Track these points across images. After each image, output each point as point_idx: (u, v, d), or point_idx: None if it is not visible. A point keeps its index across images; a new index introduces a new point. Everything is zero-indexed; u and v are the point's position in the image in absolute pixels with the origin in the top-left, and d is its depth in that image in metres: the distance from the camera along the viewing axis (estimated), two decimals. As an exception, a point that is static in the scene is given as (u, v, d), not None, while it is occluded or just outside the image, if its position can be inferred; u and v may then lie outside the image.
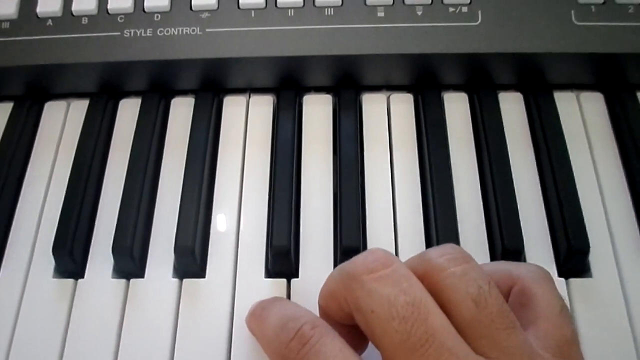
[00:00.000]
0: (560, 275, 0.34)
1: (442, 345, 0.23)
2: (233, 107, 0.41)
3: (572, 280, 0.34)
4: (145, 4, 0.39)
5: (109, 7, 0.39)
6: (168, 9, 0.39)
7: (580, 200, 0.36)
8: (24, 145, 0.40)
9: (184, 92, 0.42)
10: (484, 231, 0.36)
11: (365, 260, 0.26)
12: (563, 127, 0.39)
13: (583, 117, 0.40)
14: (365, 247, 0.35)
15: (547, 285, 0.28)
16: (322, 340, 0.26)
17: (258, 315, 0.30)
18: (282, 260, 0.34)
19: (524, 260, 0.35)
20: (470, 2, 0.39)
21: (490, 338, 0.24)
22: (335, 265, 0.35)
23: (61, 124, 0.41)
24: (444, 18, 0.38)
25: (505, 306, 0.25)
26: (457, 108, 0.41)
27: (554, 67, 0.39)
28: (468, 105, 0.41)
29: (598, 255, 0.35)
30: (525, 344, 0.25)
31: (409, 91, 0.41)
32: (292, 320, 0.27)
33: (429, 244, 0.35)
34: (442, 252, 0.26)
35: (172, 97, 0.42)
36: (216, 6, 0.39)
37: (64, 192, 0.37)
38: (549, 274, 0.29)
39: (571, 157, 0.38)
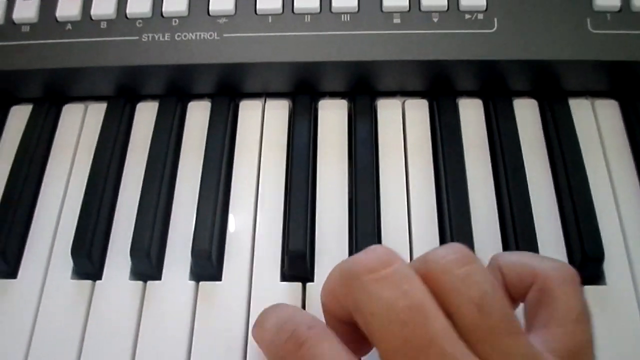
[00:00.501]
0: (574, 282, 0.34)
1: (441, 351, 0.23)
2: (249, 111, 0.41)
3: (587, 288, 0.34)
4: (164, 8, 0.40)
5: (127, 11, 0.40)
6: (186, 13, 0.40)
7: (595, 207, 0.36)
8: (42, 148, 0.41)
9: (200, 96, 0.42)
10: (499, 239, 0.36)
11: (365, 259, 0.25)
12: (578, 134, 0.39)
13: (598, 125, 0.40)
14: (380, 253, 0.35)
15: (570, 288, 0.26)
16: (319, 341, 0.25)
17: (258, 322, 0.30)
18: (298, 264, 0.35)
19: (539, 267, 0.35)
20: (486, 9, 0.39)
21: (492, 343, 0.23)
22: (350, 270, 0.35)
23: (79, 127, 0.42)
24: (460, 25, 0.39)
25: (510, 310, 0.24)
26: (472, 114, 0.41)
27: (569, 75, 0.40)
28: (483, 111, 0.41)
29: (612, 263, 0.35)
30: (529, 350, 0.24)
31: (423, 97, 0.41)
32: (288, 322, 0.27)
33: (443, 249, 0.36)
34: (446, 253, 0.25)
35: (189, 100, 0.42)
36: (233, 11, 0.39)
37: (82, 194, 0.38)
38: (576, 274, 0.27)
39: (586, 165, 0.38)
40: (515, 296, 0.29)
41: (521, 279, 0.27)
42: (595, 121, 0.40)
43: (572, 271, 0.27)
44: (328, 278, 0.28)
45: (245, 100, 0.42)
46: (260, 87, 0.41)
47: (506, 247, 0.36)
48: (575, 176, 0.37)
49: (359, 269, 0.25)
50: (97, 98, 0.42)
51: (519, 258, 0.28)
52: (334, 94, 0.42)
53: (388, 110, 0.41)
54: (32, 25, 0.40)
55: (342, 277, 0.26)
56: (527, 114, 0.41)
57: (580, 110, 0.41)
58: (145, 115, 0.42)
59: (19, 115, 0.42)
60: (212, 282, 0.35)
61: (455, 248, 0.25)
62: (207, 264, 0.35)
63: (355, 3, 0.39)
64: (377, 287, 0.24)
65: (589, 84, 0.40)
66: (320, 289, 0.34)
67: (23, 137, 0.41)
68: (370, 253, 0.25)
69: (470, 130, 0.40)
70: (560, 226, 0.36)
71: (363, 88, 0.41)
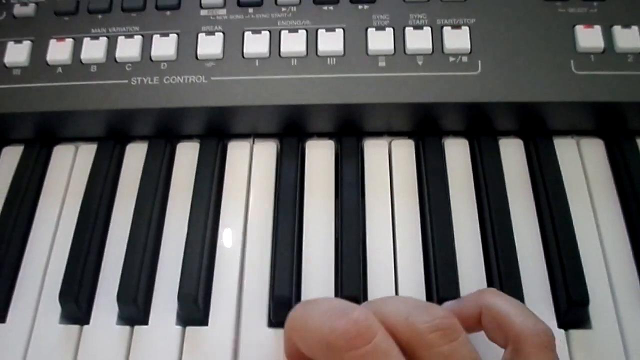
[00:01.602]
0: (560, 326, 0.34)
1: None
2: (237, 152, 0.42)
3: (572, 332, 0.34)
4: (152, 52, 0.40)
5: (117, 55, 0.40)
6: (174, 57, 0.40)
7: (580, 249, 0.36)
8: (33, 189, 0.41)
9: (189, 137, 0.43)
10: (484, 281, 0.36)
11: (347, 333, 0.25)
12: (563, 173, 0.39)
13: (583, 163, 0.40)
14: (365, 297, 0.35)
15: (545, 355, 0.27)
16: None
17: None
18: (284, 309, 0.34)
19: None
20: (470, 52, 0.39)
21: None
22: (336, 314, 0.35)
23: (69, 168, 0.42)
24: (444, 67, 0.39)
25: None
26: (457, 153, 0.41)
27: (554, 115, 0.40)
28: (469, 150, 0.41)
29: (598, 306, 0.35)
30: None
31: (410, 137, 0.42)
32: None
33: (429, 292, 0.36)
34: (432, 324, 0.25)
35: (178, 141, 0.43)
36: (221, 55, 0.40)
37: (71, 237, 0.38)
38: (553, 339, 0.27)
39: (571, 205, 0.38)
40: (490, 339, 0.29)
41: (500, 329, 0.28)
42: (581, 160, 0.41)
43: (550, 336, 0.27)
44: (302, 326, 0.27)
45: (233, 141, 0.42)
46: (248, 128, 0.42)
47: (492, 290, 0.36)
48: (560, 218, 0.37)
49: (340, 343, 0.25)
50: (88, 139, 0.43)
51: (503, 307, 0.28)
52: (321, 134, 0.42)
53: (375, 150, 0.41)
54: (23, 68, 0.41)
55: (322, 345, 0.26)
56: (512, 153, 0.41)
57: (566, 149, 0.41)
58: (135, 155, 0.42)
59: (10, 156, 0.43)
60: (199, 327, 0.35)
61: (442, 319, 0.26)
62: (194, 308, 0.35)
63: (341, 47, 0.39)
64: None
65: (574, 124, 0.41)
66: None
67: (14, 178, 0.41)
68: (351, 324, 0.25)
69: (456, 170, 0.40)
70: (546, 269, 0.36)
71: (350, 129, 0.41)
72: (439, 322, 0.26)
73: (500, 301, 0.29)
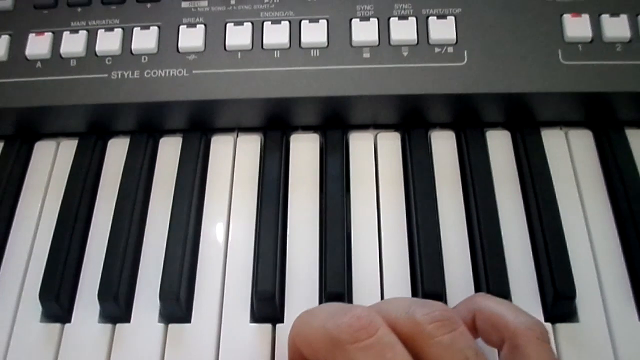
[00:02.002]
0: (547, 320, 0.34)
1: None
2: (221, 146, 0.41)
3: (559, 325, 0.34)
4: (133, 45, 0.40)
5: (97, 49, 0.40)
6: (155, 50, 0.39)
7: (568, 242, 0.35)
8: (13, 185, 0.41)
9: (172, 132, 0.42)
10: (470, 274, 0.35)
11: (350, 327, 0.26)
12: (551, 164, 0.39)
13: (571, 155, 0.40)
14: (350, 293, 0.35)
15: (542, 347, 0.27)
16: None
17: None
18: (267, 305, 0.34)
19: (510, 305, 0.34)
20: (456, 43, 0.39)
21: None
22: (320, 310, 0.35)
23: (50, 164, 0.42)
24: (430, 58, 0.38)
25: None
26: (444, 146, 0.40)
27: (542, 106, 0.39)
28: (455, 142, 0.41)
29: (585, 300, 0.34)
30: None
31: (396, 129, 0.41)
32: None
33: (414, 287, 0.35)
34: (431, 316, 0.26)
35: (160, 136, 0.42)
36: (203, 48, 0.39)
37: (52, 235, 0.38)
38: (546, 332, 0.28)
39: (559, 197, 0.37)
40: (486, 341, 0.29)
41: (494, 329, 0.28)
42: (569, 151, 0.40)
43: (543, 329, 0.28)
44: (306, 330, 0.28)
45: (216, 135, 0.42)
46: (232, 122, 0.41)
47: (477, 282, 0.35)
48: (548, 211, 0.36)
49: (343, 336, 0.26)
50: (69, 134, 0.42)
51: (495, 308, 0.28)
52: (306, 128, 0.42)
53: (360, 143, 0.41)
54: (1, 63, 0.40)
55: (326, 341, 0.26)
56: (499, 145, 0.40)
57: (554, 140, 0.40)
58: (117, 150, 0.42)
59: (-9, 153, 0.42)
60: (182, 324, 0.35)
61: (442, 311, 0.26)
62: (176, 305, 0.35)
63: (325, 38, 0.39)
64: (361, 355, 0.25)
65: (562, 115, 0.40)
66: (290, 330, 0.34)
67: (-5, 175, 0.41)
68: (354, 319, 0.26)
69: (443, 162, 0.40)
70: (533, 262, 0.36)
71: (335, 122, 0.41)
72: (437, 314, 0.26)
73: (491, 303, 0.29)
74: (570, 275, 0.34)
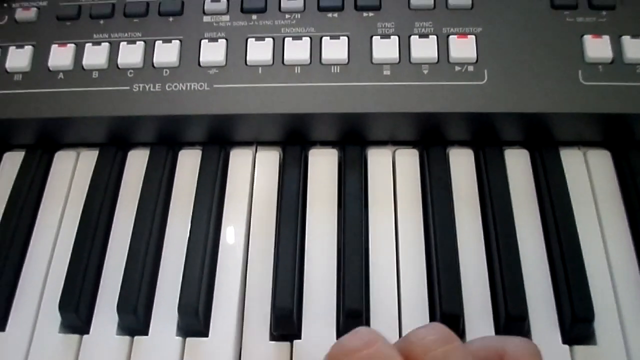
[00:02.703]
0: (564, 342, 0.34)
1: None
2: (240, 159, 0.41)
3: (577, 348, 0.34)
4: (155, 59, 0.40)
5: (119, 61, 0.40)
6: (177, 64, 0.40)
7: (586, 263, 0.35)
8: (34, 195, 0.41)
9: (192, 144, 0.42)
10: (488, 296, 0.35)
11: (350, 341, 0.26)
12: (570, 184, 0.39)
13: (590, 175, 0.40)
14: (368, 310, 0.35)
15: None
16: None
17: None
18: (285, 322, 0.34)
19: (528, 327, 0.34)
20: (476, 61, 0.39)
21: None
22: (337, 327, 0.35)
23: (70, 174, 0.42)
24: (450, 77, 0.38)
25: None
26: (462, 164, 0.41)
27: (561, 126, 0.39)
28: (474, 160, 0.41)
29: (603, 322, 0.34)
30: None
31: (414, 146, 0.41)
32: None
33: (432, 307, 0.35)
34: (426, 333, 0.26)
35: (180, 148, 0.42)
36: (224, 62, 0.40)
37: (72, 246, 0.38)
38: (537, 349, 0.28)
39: (577, 217, 0.37)
40: None
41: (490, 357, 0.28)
42: (587, 171, 0.40)
43: (533, 347, 0.28)
44: None
45: (236, 149, 0.42)
46: (251, 136, 0.41)
47: (495, 303, 0.35)
48: (566, 232, 0.36)
49: (344, 350, 0.26)
50: (89, 145, 0.43)
51: (483, 342, 0.28)
52: (324, 143, 0.42)
53: (378, 159, 0.41)
54: (24, 74, 0.41)
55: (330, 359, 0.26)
56: (518, 164, 0.40)
57: (572, 160, 0.40)
58: (137, 162, 0.42)
59: (12, 162, 0.43)
60: (199, 337, 0.35)
61: (436, 328, 0.26)
62: (194, 319, 0.35)
63: (345, 55, 0.39)
64: None
65: (581, 135, 0.40)
66: (307, 346, 0.35)
67: (15, 184, 0.41)
68: (354, 334, 0.26)
69: (461, 180, 0.40)
70: (551, 283, 0.36)
71: (353, 138, 0.41)
72: (432, 330, 0.26)
73: (480, 339, 0.29)
74: (588, 298, 0.34)
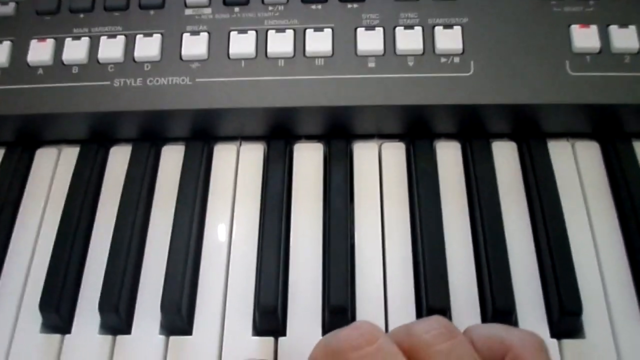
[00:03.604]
0: (552, 336, 0.34)
1: None
2: (223, 155, 0.41)
3: (565, 342, 0.33)
4: (136, 53, 0.39)
5: (99, 56, 0.39)
6: (158, 58, 0.39)
7: (574, 256, 0.35)
8: (14, 193, 0.40)
9: (174, 140, 0.42)
10: (475, 289, 0.35)
11: (350, 336, 0.25)
12: (558, 176, 0.38)
13: (578, 166, 0.40)
14: (353, 306, 0.35)
15: (541, 356, 0.27)
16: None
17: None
18: (269, 318, 0.34)
19: (516, 321, 0.34)
20: (462, 53, 0.38)
21: None
22: (323, 323, 0.34)
23: (52, 171, 0.41)
24: (436, 68, 0.38)
25: None
26: (449, 156, 0.40)
27: (549, 117, 0.39)
28: (461, 153, 0.40)
29: (592, 315, 0.34)
30: None
31: (401, 139, 0.41)
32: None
33: (418, 301, 0.35)
34: (428, 327, 0.26)
35: (163, 144, 0.42)
36: (206, 56, 0.39)
37: (53, 244, 0.37)
38: (543, 342, 0.27)
39: (565, 209, 0.37)
40: None
41: (492, 350, 0.27)
42: (576, 163, 0.40)
43: (539, 340, 0.27)
44: (313, 351, 0.27)
45: (219, 144, 0.41)
46: (235, 130, 0.41)
47: (482, 297, 0.35)
48: (554, 224, 0.36)
49: (344, 345, 0.25)
50: (71, 141, 0.42)
51: (489, 330, 0.28)
52: (310, 137, 0.41)
53: (364, 153, 0.40)
54: (3, 70, 0.40)
55: (327, 353, 0.26)
56: (505, 156, 0.40)
57: (560, 151, 0.40)
58: (119, 158, 0.41)
59: (-8, 160, 0.42)
60: (183, 336, 0.34)
61: (439, 322, 0.26)
62: (177, 318, 0.34)
63: (330, 47, 0.38)
64: None
65: (569, 126, 0.40)
66: (292, 342, 0.34)
67: (-5, 182, 0.41)
68: (354, 330, 0.25)
69: (448, 173, 0.39)
70: (539, 276, 0.35)
71: (339, 131, 0.40)
72: (434, 324, 0.26)
73: (482, 328, 0.29)
74: (576, 291, 0.33)
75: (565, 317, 0.33)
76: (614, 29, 0.38)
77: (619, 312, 0.34)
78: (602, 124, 0.40)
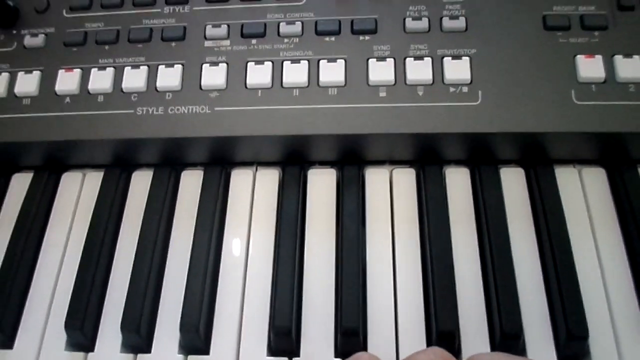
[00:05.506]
0: (559, 359, 0.34)
1: None
2: (240, 179, 0.42)
3: (572, 365, 0.34)
4: (158, 83, 0.41)
5: (123, 86, 0.41)
6: (179, 88, 0.41)
7: (581, 281, 0.36)
8: (41, 215, 0.42)
9: (193, 165, 0.43)
10: (483, 313, 0.36)
11: None
12: (565, 202, 0.39)
13: (585, 192, 0.40)
14: (365, 328, 0.36)
15: None
16: None
17: None
18: (284, 339, 0.35)
19: (523, 344, 0.35)
20: (470, 82, 0.39)
21: None
22: (335, 345, 0.35)
23: (77, 194, 0.43)
24: (444, 98, 0.39)
25: None
26: (458, 182, 0.41)
27: (555, 145, 0.40)
28: (469, 179, 0.41)
29: (598, 339, 0.35)
30: None
31: (411, 165, 0.42)
32: None
33: (428, 324, 0.36)
34: (426, 358, 0.27)
35: (183, 169, 0.43)
36: (224, 86, 0.41)
37: (78, 264, 0.39)
38: None
39: (572, 235, 0.38)
40: None
41: None
42: (582, 189, 0.41)
43: None
44: None
45: (236, 169, 0.43)
46: (252, 156, 0.42)
47: (490, 321, 0.36)
48: (561, 249, 0.37)
49: None
50: (95, 166, 0.44)
51: (495, 356, 0.29)
52: (323, 163, 0.43)
53: (376, 178, 0.42)
54: (33, 98, 0.42)
55: None
56: (513, 182, 0.41)
57: (567, 178, 0.41)
58: (141, 183, 0.43)
59: (20, 183, 0.44)
60: (201, 355, 0.36)
61: (435, 353, 0.27)
62: (195, 337, 0.36)
63: (342, 77, 0.40)
64: None
65: (575, 153, 0.41)
66: (306, 364, 0.35)
67: (23, 204, 0.43)
68: (355, 357, 0.27)
69: (457, 199, 0.40)
70: (546, 301, 0.36)
71: (351, 157, 0.42)
72: (431, 355, 0.27)
73: (488, 355, 0.30)
74: (582, 316, 0.34)
75: (572, 342, 0.34)
76: (618, 59, 0.40)
77: (625, 337, 0.35)
78: (608, 151, 0.40)
